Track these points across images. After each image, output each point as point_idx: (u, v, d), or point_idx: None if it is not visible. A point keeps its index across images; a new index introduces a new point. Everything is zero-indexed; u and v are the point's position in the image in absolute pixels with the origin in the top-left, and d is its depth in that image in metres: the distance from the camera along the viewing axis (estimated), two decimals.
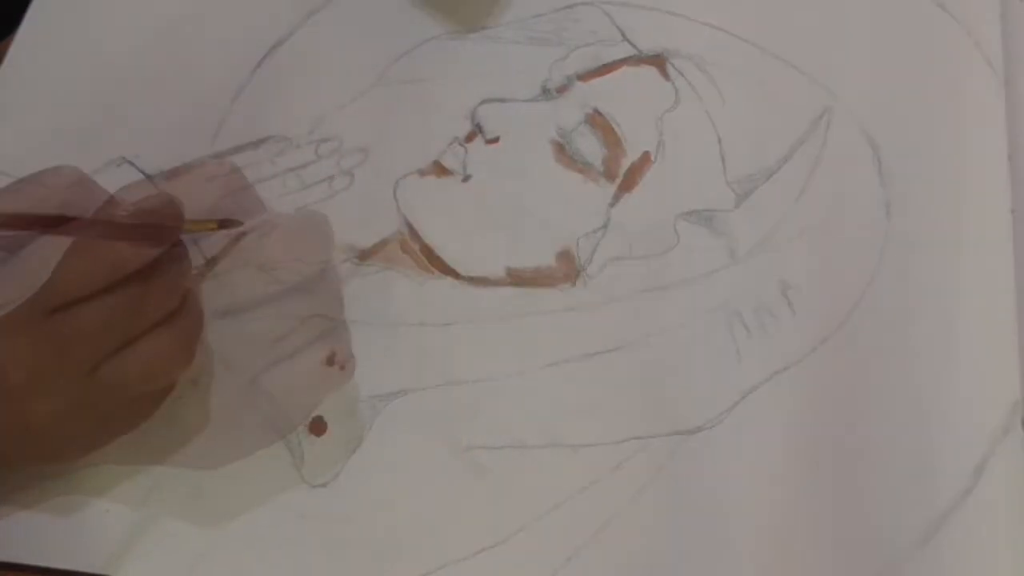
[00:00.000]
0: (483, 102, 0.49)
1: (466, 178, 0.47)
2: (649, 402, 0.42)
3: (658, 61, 0.49)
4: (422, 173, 0.48)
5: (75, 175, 0.40)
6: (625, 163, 0.47)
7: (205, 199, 0.47)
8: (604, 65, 0.49)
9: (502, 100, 0.49)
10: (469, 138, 0.48)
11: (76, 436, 0.39)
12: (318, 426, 0.43)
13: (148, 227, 0.37)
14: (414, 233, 0.46)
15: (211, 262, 0.46)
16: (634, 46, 0.49)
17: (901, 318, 0.43)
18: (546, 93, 0.49)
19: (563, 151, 0.47)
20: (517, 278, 0.45)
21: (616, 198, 0.46)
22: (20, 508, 0.42)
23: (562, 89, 0.49)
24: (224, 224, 0.46)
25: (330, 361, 0.44)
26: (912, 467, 0.40)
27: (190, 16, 0.52)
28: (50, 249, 0.36)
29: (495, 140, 0.48)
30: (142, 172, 0.48)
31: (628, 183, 0.46)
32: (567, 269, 0.45)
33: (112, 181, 0.41)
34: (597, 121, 0.48)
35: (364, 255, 0.46)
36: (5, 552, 0.41)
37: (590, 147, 0.47)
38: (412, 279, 0.45)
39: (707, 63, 0.48)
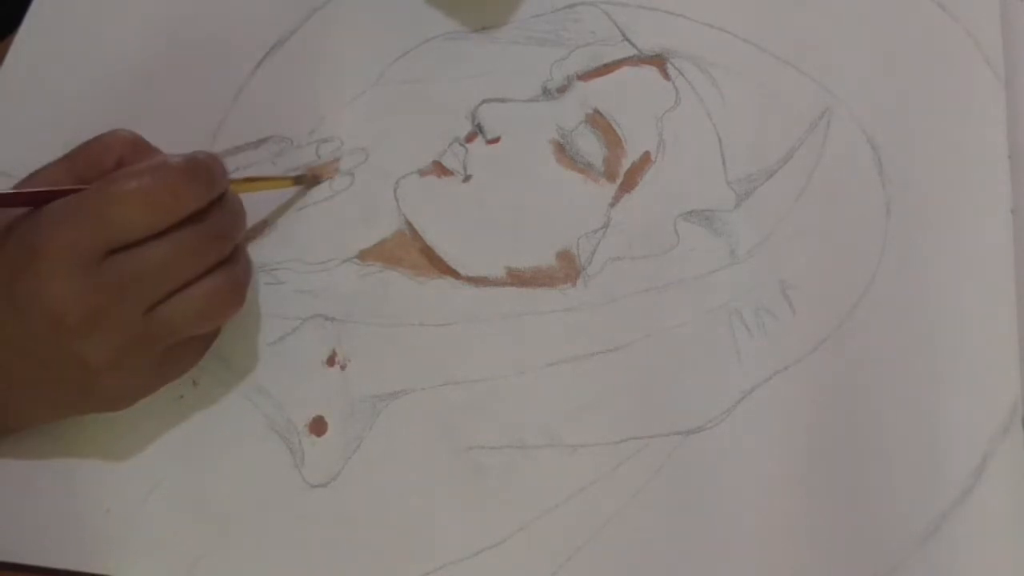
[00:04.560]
0: (483, 102, 0.49)
1: (466, 178, 0.47)
2: (649, 402, 0.42)
3: (658, 61, 0.49)
4: (422, 173, 0.48)
5: (131, 136, 0.41)
6: (625, 163, 0.47)
7: None
8: (604, 65, 0.49)
9: (502, 100, 0.49)
10: (469, 138, 0.48)
11: (131, 378, 0.40)
12: (318, 426, 0.43)
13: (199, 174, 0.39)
14: (414, 233, 0.46)
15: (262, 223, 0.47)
16: (634, 46, 0.49)
17: (901, 318, 0.43)
18: (546, 93, 0.49)
19: (563, 151, 0.47)
20: (517, 278, 0.45)
21: (616, 198, 0.46)
22: (20, 503, 0.42)
23: (562, 89, 0.49)
24: (300, 180, 0.46)
25: (330, 361, 0.44)
26: (912, 467, 0.40)
27: (190, 16, 0.52)
28: (108, 192, 0.37)
29: (495, 140, 0.48)
30: None
31: (628, 183, 0.46)
32: (567, 269, 0.45)
33: None
34: (597, 121, 0.48)
35: (364, 255, 0.46)
36: (5, 552, 0.41)
37: (590, 147, 0.47)
38: (412, 279, 0.45)
39: (707, 63, 0.48)
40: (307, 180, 0.47)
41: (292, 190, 0.47)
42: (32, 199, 0.38)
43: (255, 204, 0.47)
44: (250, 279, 0.42)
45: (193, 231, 0.38)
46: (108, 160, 0.40)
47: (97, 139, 0.41)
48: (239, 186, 0.43)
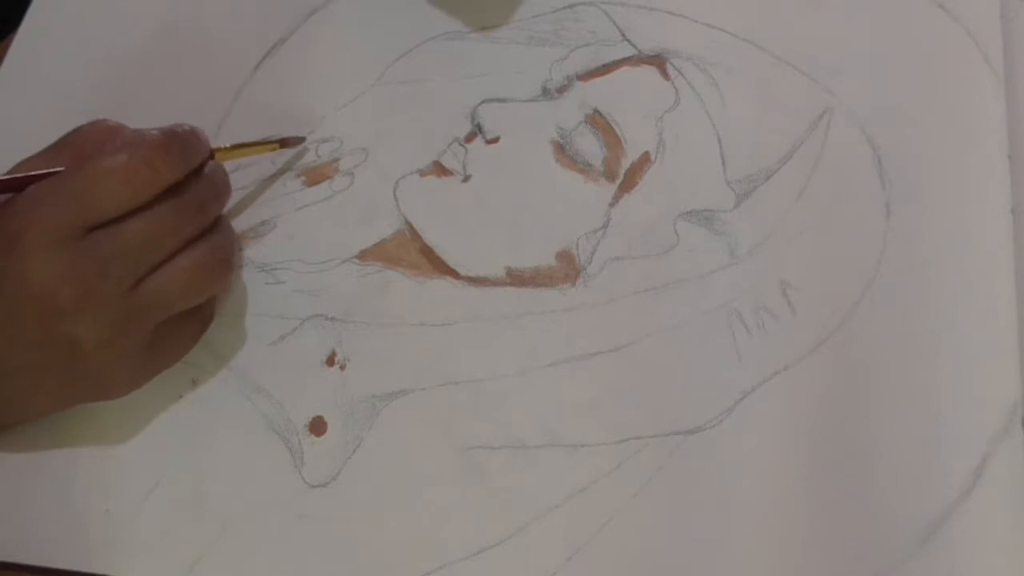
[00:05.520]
0: (483, 102, 0.49)
1: (466, 178, 0.47)
2: (649, 402, 0.42)
3: (658, 61, 0.49)
4: (422, 173, 0.48)
5: (114, 127, 0.41)
6: (625, 163, 0.47)
7: None
8: (604, 65, 0.49)
9: (502, 100, 0.49)
10: (469, 138, 0.48)
11: (123, 359, 0.40)
12: (318, 426, 0.43)
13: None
14: (414, 233, 0.46)
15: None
16: (634, 46, 0.49)
17: (901, 318, 0.43)
18: (546, 93, 0.49)
19: (563, 151, 0.47)
20: (517, 278, 0.45)
21: (616, 198, 0.46)
22: (20, 502, 0.42)
23: (562, 89, 0.49)
24: (286, 143, 0.47)
25: (330, 361, 0.44)
26: (912, 467, 0.40)
27: (190, 16, 0.52)
28: (85, 170, 0.37)
29: (495, 140, 0.48)
30: None
31: (628, 183, 0.46)
32: (567, 269, 0.45)
33: None
34: (597, 121, 0.48)
35: (364, 255, 0.46)
36: (5, 552, 0.41)
37: (590, 147, 0.47)
38: (412, 279, 0.45)
39: (707, 63, 0.48)
40: (292, 143, 0.47)
41: (280, 158, 0.48)
42: (10, 185, 0.38)
43: (256, 205, 0.48)
44: (236, 247, 0.43)
45: (172, 204, 0.39)
46: (90, 151, 0.40)
47: (78, 130, 0.41)
48: (225, 154, 0.43)
